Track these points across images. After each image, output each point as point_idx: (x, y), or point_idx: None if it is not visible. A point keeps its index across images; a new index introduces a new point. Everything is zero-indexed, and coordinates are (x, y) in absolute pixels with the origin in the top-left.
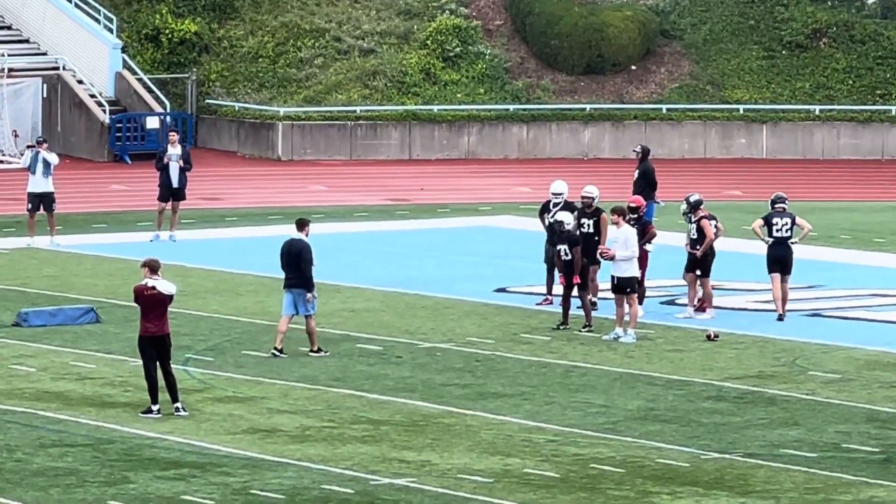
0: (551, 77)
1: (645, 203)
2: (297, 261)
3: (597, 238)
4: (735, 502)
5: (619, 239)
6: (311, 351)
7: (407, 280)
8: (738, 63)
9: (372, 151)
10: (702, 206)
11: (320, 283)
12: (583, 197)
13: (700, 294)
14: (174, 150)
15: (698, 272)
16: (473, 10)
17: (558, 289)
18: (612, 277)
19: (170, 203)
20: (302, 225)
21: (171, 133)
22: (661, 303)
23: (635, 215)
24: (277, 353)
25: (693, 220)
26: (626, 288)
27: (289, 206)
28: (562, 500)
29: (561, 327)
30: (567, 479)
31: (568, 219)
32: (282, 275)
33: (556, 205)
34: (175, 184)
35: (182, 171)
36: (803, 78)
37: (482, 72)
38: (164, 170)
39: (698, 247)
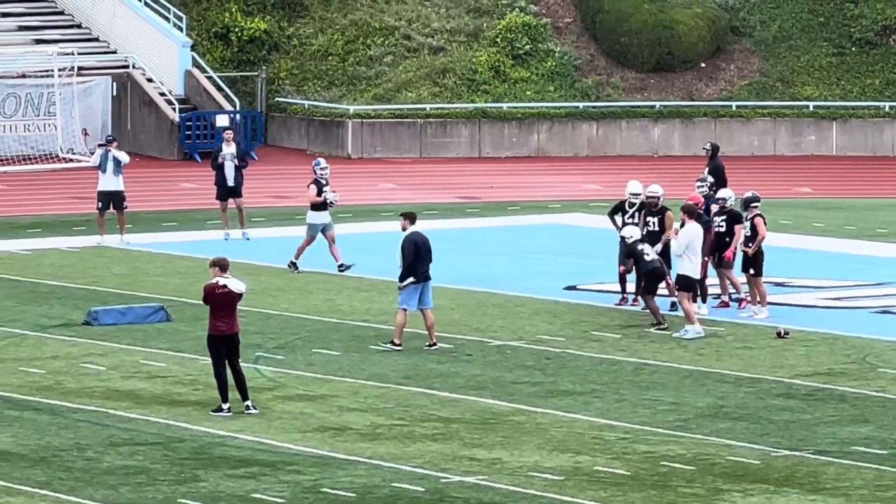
0: (621, 74)
1: (703, 201)
2: (430, 253)
3: (663, 235)
4: (805, 500)
5: (686, 237)
6: (431, 345)
7: (477, 278)
8: (807, 60)
9: (441, 149)
10: (756, 204)
11: (390, 281)
12: (648, 196)
13: (730, 287)
14: (229, 149)
15: (751, 271)
16: (543, 8)
17: (631, 287)
18: (677, 275)
19: (231, 201)
20: (415, 217)
21: (225, 132)
22: (733, 300)
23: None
24: (396, 347)
25: (747, 217)
26: (690, 285)
27: (358, 204)
28: (632, 498)
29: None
30: (637, 476)
31: (632, 233)
32: (349, 273)
33: (632, 205)
34: (231, 182)
35: (237, 169)
36: (873, 74)
37: (552, 69)
38: (219, 169)
39: (751, 244)
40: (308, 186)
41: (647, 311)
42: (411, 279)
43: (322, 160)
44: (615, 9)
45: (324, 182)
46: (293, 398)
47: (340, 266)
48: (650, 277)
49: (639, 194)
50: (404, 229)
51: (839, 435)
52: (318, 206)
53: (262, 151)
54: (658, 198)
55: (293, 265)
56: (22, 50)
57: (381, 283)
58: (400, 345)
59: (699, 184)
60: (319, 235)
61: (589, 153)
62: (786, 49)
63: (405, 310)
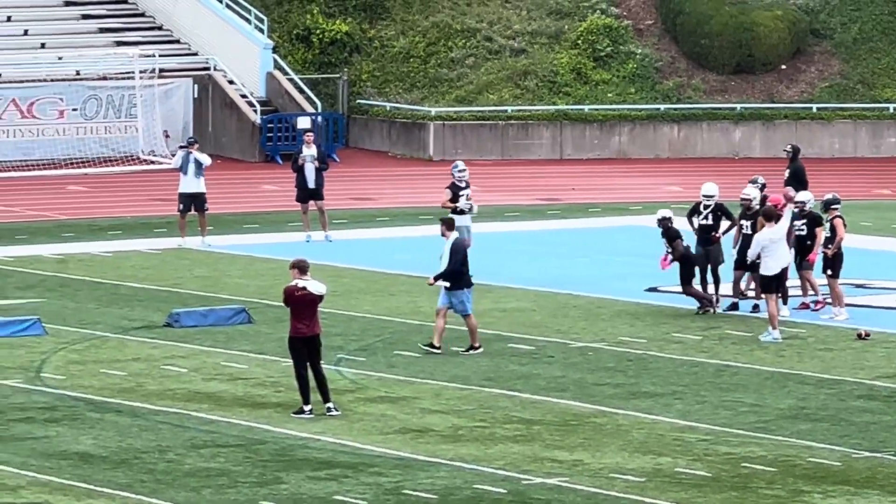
0: (702, 76)
1: (785, 203)
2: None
3: None
4: (886, 501)
5: (772, 238)
6: (473, 348)
7: (558, 280)
8: (888, 62)
9: (523, 151)
10: (836, 206)
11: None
12: (741, 199)
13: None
14: (309, 151)
15: (829, 272)
16: (624, 10)
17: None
18: (761, 276)
19: (312, 204)
20: (454, 224)
21: (306, 134)
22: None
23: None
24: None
25: (827, 219)
26: (774, 286)
27: (439, 207)
28: (713, 500)
29: (701, 311)
30: (718, 478)
31: (666, 214)
32: (431, 274)
33: (706, 207)
34: (311, 184)
35: (318, 171)
36: None
37: (633, 71)
38: (300, 171)
39: (830, 246)
40: (445, 190)
41: (728, 311)
42: (447, 283)
43: (461, 163)
44: (696, 11)
45: (462, 185)
46: (375, 400)
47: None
48: (683, 263)
49: (711, 196)
50: (444, 235)
51: None
52: (456, 210)
53: (343, 153)
54: (751, 200)
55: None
56: (103, 52)
57: None
58: (439, 347)
59: (750, 185)
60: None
61: (670, 155)
62: (866, 51)
63: (471, 314)
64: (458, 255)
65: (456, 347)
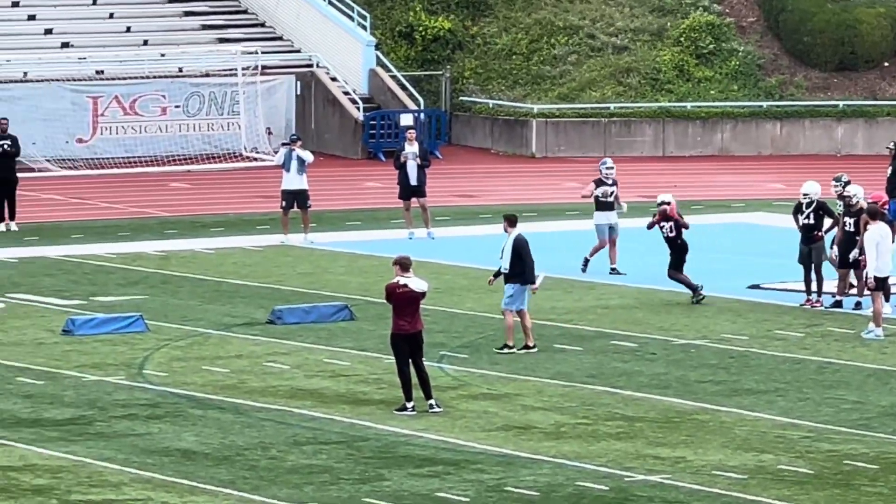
0: (804, 73)
1: (888, 200)
2: None
3: (857, 237)
4: None
5: (882, 235)
6: (529, 347)
7: (661, 277)
8: None
9: (626, 148)
10: None
11: (577, 279)
12: (843, 196)
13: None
14: (411, 149)
15: None
16: (726, 7)
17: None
18: (875, 277)
19: (415, 201)
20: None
21: (408, 131)
22: None
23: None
24: (510, 349)
25: None
26: (879, 284)
27: (543, 203)
28: (815, 497)
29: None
30: (821, 475)
31: (669, 198)
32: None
33: (808, 206)
34: (413, 181)
35: (420, 168)
36: None
37: (735, 68)
38: (402, 168)
39: None
40: (590, 182)
41: (831, 308)
42: (518, 283)
43: (609, 160)
44: (798, 8)
45: (608, 182)
46: (477, 397)
47: (612, 270)
48: (674, 250)
49: (808, 194)
50: (506, 231)
51: None
52: (602, 206)
53: (446, 150)
54: (850, 197)
55: (585, 262)
56: (206, 49)
57: (566, 281)
58: (513, 346)
59: (834, 183)
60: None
61: (772, 152)
62: None
63: (512, 311)
64: (527, 250)
65: (558, 344)
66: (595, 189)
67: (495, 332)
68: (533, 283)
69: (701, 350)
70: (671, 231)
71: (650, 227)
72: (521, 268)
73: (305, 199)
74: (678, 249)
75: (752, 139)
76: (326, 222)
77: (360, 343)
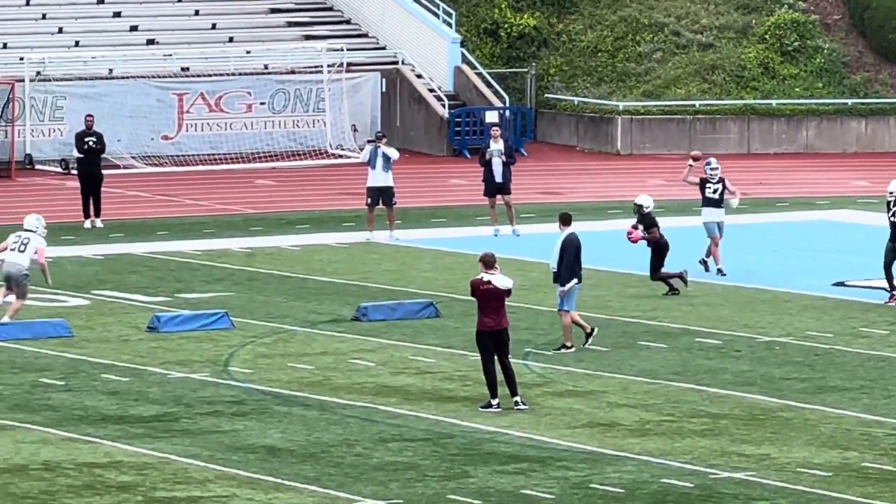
0: (889, 71)
1: None
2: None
3: None
4: None
5: None
6: (566, 347)
7: (745, 274)
8: None
9: (711, 146)
10: None
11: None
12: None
13: None
14: (496, 146)
15: None
16: (811, 5)
17: None
18: None
19: (500, 198)
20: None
21: (493, 128)
22: None
23: None
24: (569, 349)
25: None
26: None
27: (628, 201)
28: None
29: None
30: None
31: (647, 201)
32: (618, 269)
33: (894, 203)
34: (499, 178)
35: (505, 165)
36: None
37: (820, 66)
38: (487, 165)
39: None
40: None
41: None
42: (575, 280)
43: (713, 160)
44: (883, 6)
45: (714, 181)
46: (562, 394)
47: (718, 270)
48: (655, 251)
49: (893, 192)
50: (560, 230)
51: None
52: (710, 203)
53: (531, 147)
54: None
55: (703, 263)
56: (291, 46)
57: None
58: (571, 346)
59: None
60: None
61: (857, 150)
62: None
63: (568, 311)
64: (570, 251)
65: (642, 342)
66: (701, 186)
67: (579, 329)
68: (578, 282)
69: (786, 347)
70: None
71: (635, 241)
72: (572, 267)
73: (391, 196)
74: (661, 249)
75: (837, 136)
76: (412, 219)
77: (446, 340)
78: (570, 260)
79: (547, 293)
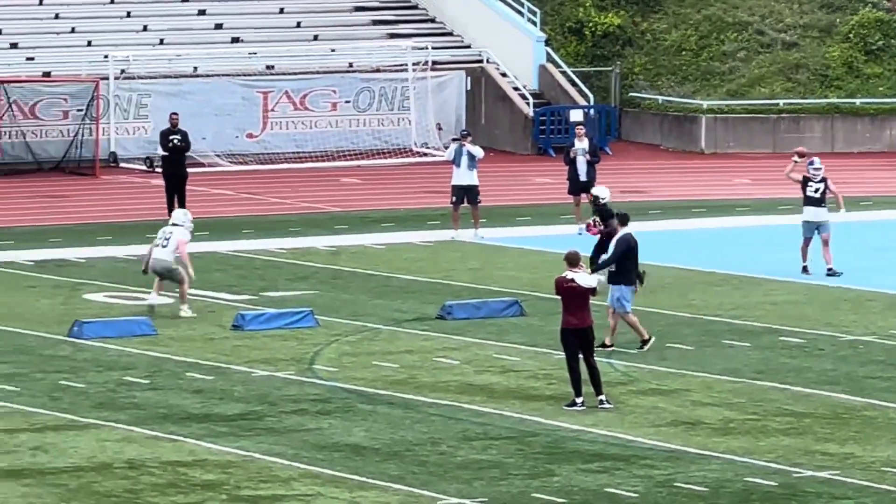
0: None
1: None
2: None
3: None
4: None
5: None
6: (606, 345)
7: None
8: None
9: (794, 144)
10: None
11: (742, 275)
12: None
13: None
14: (581, 144)
15: None
16: (895, 4)
17: None
18: None
19: (584, 196)
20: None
21: (577, 127)
22: None
23: None
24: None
25: None
26: None
27: (711, 200)
28: None
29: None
30: None
31: (604, 193)
32: (702, 267)
33: None
34: (583, 177)
35: (590, 164)
36: None
37: None
38: (571, 164)
39: None
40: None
41: None
42: (598, 276)
43: (816, 160)
44: None
45: (817, 180)
46: (646, 392)
47: (829, 271)
48: (605, 240)
49: None
50: (617, 230)
51: None
52: (810, 202)
53: (615, 146)
54: None
55: (805, 269)
56: (376, 44)
57: (734, 277)
58: (650, 339)
59: None
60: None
61: None
62: None
63: (629, 312)
64: (620, 249)
65: (726, 340)
66: (802, 185)
67: (664, 327)
68: (635, 283)
69: (869, 346)
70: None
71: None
72: (625, 267)
73: (476, 195)
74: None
75: None
76: (496, 218)
77: (530, 338)
78: (615, 257)
79: None
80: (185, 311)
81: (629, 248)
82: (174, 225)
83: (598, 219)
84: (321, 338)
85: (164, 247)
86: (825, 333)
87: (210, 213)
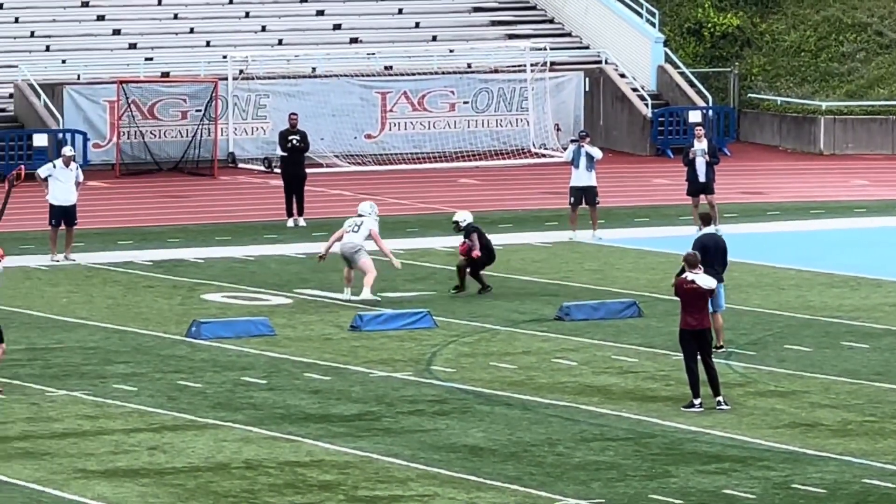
0: None
1: None
2: (721, 255)
3: None
4: None
5: None
6: (718, 347)
7: None
8: None
9: None
10: None
11: (861, 276)
12: None
13: None
14: (700, 145)
15: None
16: None
17: None
18: None
19: (703, 197)
20: (709, 219)
21: (697, 128)
22: None
23: None
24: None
25: None
26: None
27: (830, 201)
28: None
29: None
30: None
31: (463, 216)
32: (820, 269)
33: None
34: (702, 178)
35: (709, 165)
36: None
37: None
38: (690, 165)
39: None
40: None
41: None
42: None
43: None
44: None
45: None
46: (764, 394)
47: None
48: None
49: None
50: (700, 229)
51: None
52: None
53: (734, 147)
54: None
55: None
56: (495, 45)
57: (853, 279)
58: (722, 346)
59: None
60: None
61: None
62: None
63: (716, 311)
64: (696, 247)
65: (845, 342)
66: None
67: (782, 328)
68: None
69: None
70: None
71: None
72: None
73: (594, 196)
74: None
75: None
76: (615, 219)
77: (648, 340)
78: (709, 256)
79: (749, 293)
80: (368, 294)
81: (702, 248)
82: (360, 216)
83: (467, 240)
84: (439, 339)
85: (354, 232)
86: None
87: (328, 214)
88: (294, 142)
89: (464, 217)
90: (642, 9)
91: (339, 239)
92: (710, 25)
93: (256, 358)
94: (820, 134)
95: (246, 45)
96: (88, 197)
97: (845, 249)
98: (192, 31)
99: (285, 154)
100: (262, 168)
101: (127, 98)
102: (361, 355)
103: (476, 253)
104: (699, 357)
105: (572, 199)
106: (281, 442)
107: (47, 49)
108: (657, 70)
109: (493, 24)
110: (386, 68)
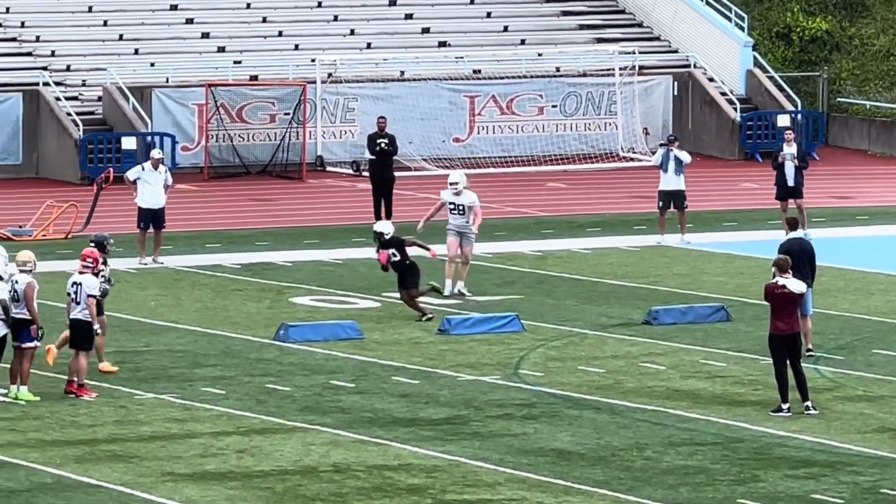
0: None
1: None
2: (806, 259)
3: None
4: None
5: None
6: (808, 350)
7: None
8: None
9: None
10: None
11: None
12: None
13: None
14: (789, 149)
15: None
16: None
17: None
18: None
19: (791, 202)
20: (795, 224)
21: (786, 132)
22: None
23: None
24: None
25: None
26: None
27: None
28: None
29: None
30: None
31: (387, 228)
32: None
33: None
34: (790, 182)
35: (798, 169)
36: None
37: None
38: (779, 169)
39: None
40: None
41: None
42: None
43: None
44: None
45: None
46: (853, 399)
47: None
48: (403, 272)
49: None
50: (786, 234)
51: None
52: None
53: (823, 152)
54: None
55: None
56: (583, 48)
57: None
58: (811, 350)
59: None
60: None
61: None
62: None
63: (805, 315)
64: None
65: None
66: None
67: (871, 333)
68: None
69: None
70: (395, 255)
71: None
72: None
73: (682, 200)
74: (406, 271)
75: None
76: (703, 223)
77: (737, 344)
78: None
79: (837, 297)
80: (462, 288)
81: (786, 253)
82: (456, 190)
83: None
84: (527, 342)
85: (461, 214)
86: None
87: (417, 218)
88: (382, 145)
89: (386, 229)
90: (731, 13)
91: (439, 209)
92: (798, 29)
93: (344, 361)
94: None
95: (334, 48)
96: (177, 200)
97: None
98: (280, 34)
99: (373, 157)
100: (350, 171)
101: (215, 101)
102: (449, 359)
103: (384, 256)
104: (788, 361)
105: (661, 202)
106: (369, 445)
107: (136, 52)
108: (746, 74)
109: (582, 27)
110: (474, 72)
